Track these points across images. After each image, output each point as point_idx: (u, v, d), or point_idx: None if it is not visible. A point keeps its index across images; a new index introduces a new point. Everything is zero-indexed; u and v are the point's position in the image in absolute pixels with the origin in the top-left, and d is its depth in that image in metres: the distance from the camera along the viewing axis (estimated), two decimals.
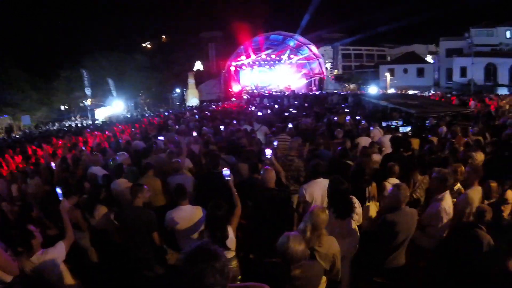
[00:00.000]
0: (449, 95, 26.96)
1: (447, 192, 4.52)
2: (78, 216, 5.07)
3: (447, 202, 4.44)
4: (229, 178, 4.53)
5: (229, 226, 3.94)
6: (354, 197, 4.39)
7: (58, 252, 3.81)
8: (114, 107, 41.96)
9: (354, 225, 4.24)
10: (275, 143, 7.25)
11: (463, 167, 5.21)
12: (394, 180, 5.01)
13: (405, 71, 52.61)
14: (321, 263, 3.35)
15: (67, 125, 32.01)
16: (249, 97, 35.94)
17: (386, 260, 4.14)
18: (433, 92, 36.46)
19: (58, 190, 4.34)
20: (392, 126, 9.96)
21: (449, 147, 7.11)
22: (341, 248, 3.81)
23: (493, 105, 16.82)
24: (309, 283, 3.02)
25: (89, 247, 5.21)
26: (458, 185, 5.21)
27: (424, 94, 32.27)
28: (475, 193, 4.71)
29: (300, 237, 2.96)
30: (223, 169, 4.69)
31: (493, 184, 4.76)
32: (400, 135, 8.42)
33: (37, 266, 3.62)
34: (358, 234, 4.35)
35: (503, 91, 34.93)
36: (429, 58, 57.74)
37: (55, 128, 30.64)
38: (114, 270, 5.26)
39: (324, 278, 3.45)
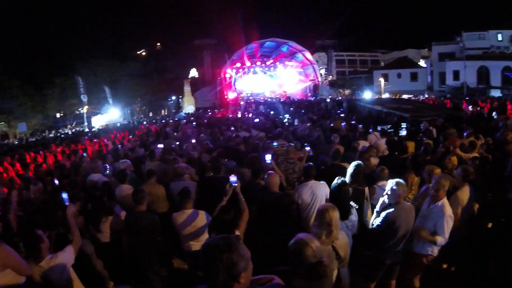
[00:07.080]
0: (442, 98, 27.17)
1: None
2: (82, 223, 5.13)
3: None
4: (236, 184, 4.58)
5: (237, 231, 3.97)
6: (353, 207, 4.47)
7: (67, 256, 3.79)
8: (111, 115, 42.04)
9: (347, 230, 4.23)
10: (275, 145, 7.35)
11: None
12: (384, 183, 5.01)
13: (399, 75, 52.95)
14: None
15: (63, 132, 31.96)
16: (245, 104, 35.93)
17: (387, 255, 4.23)
18: (427, 96, 36.75)
19: (64, 195, 4.43)
20: (387, 130, 10.12)
21: (441, 149, 7.21)
22: None
23: (486, 108, 17.03)
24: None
25: (93, 254, 5.17)
26: None
27: (418, 98, 32.53)
28: (463, 193, 4.87)
29: (313, 239, 2.77)
30: (229, 176, 4.74)
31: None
32: (395, 138, 8.53)
33: (46, 270, 3.61)
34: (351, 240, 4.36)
35: (495, 93, 35.28)
36: (422, 63, 58.10)
37: (51, 135, 30.59)
38: (120, 273, 5.32)
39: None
